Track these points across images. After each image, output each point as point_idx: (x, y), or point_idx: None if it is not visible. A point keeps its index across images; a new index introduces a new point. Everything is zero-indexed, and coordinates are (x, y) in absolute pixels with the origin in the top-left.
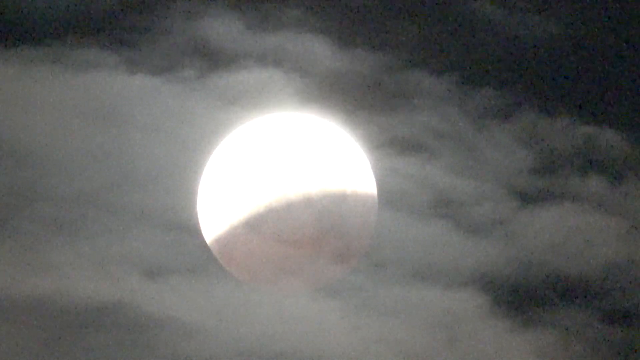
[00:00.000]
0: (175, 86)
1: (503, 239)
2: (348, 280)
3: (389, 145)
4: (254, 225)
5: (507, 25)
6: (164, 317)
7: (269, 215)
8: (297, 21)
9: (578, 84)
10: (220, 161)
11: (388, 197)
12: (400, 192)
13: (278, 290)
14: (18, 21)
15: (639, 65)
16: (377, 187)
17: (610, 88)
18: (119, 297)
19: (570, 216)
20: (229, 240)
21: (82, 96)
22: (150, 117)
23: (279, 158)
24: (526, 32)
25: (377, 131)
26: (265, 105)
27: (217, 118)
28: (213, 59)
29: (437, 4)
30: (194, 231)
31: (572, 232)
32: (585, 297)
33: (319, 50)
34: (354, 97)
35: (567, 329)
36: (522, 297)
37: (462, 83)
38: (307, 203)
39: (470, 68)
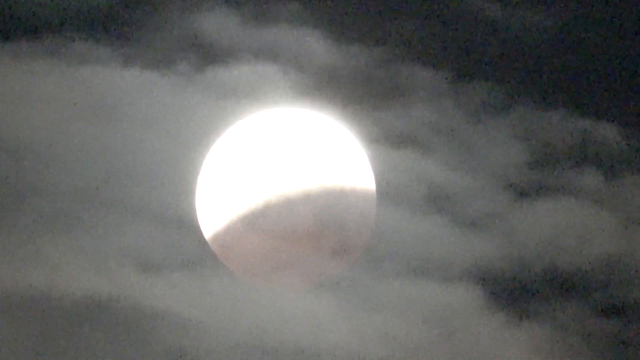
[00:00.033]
0: (171, 80)
1: (499, 233)
2: (344, 274)
3: (384, 139)
4: (253, 221)
5: (502, 20)
6: (160, 312)
7: (268, 211)
8: (293, 15)
9: (573, 78)
10: (219, 157)
11: (383, 191)
12: (395, 186)
13: (276, 286)
14: (13, 15)
15: (635, 59)
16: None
17: (606, 82)
18: (115, 291)
19: (565, 210)
20: (228, 236)
21: (78, 90)
22: (146, 111)
23: (278, 154)
24: (522, 27)
25: (373, 126)
26: (261, 99)
27: (212, 112)
28: (208, 53)
29: None
30: (191, 226)
31: (567, 226)
32: (581, 291)
33: (315, 44)
34: (349, 92)
35: (562, 323)
36: (518, 291)
37: (458, 77)
38: (306, 199)
39: (465, 62)
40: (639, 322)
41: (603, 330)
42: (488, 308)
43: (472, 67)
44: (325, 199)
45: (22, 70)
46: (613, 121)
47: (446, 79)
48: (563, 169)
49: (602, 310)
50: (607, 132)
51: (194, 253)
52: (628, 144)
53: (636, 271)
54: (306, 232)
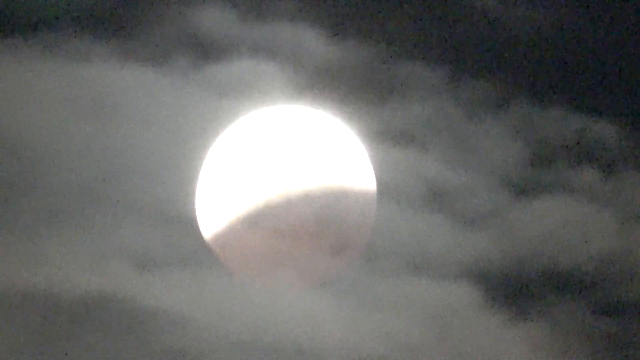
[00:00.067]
0: (168, 77)
1: (497, 231)
2: (342, 272)
3: (382, 136)
4: (253, 221)
5: (500, 17)
6: (157, 310)
7: (268, 210)
8: (290, 12)
9: (571, 75)
10: (219, 156)
11: (381, 189)
12: (393, 184)
13: (275, 284)
14: (9, 11)
15: (632, 56)
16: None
17: (603, 79)
18: (113, 289)
19: (563, 208)
20: (228, 236)
21: (75, 86)
22: (144, 108)
23: (279, 153)
24: (519, 24)
25: (370, 122)
26: (259, 96)
27: (210, 109)
28: (206, 50)
29: None
30: (189, 224)
31: (565, 223)
32: (579, 289)
33: (312, 41)
34: (347, 89)
35: (560, 320)
36: (516, 288)
37: (455, 75)
38: (307, 199)
39: (463, 60)
40: (636, 320)
41: (601, 328)
42: (486, 305)
43: (470, 64)
44: (325, 199)
45: (20, 67)
46: (610, 118)
47: (444, 76)
48: (561, 166)
49: (600, 308)
50: (605, 130)
51: (192, 251)
52: (625, 141)
53: (634, 269)
54: (306, 231)
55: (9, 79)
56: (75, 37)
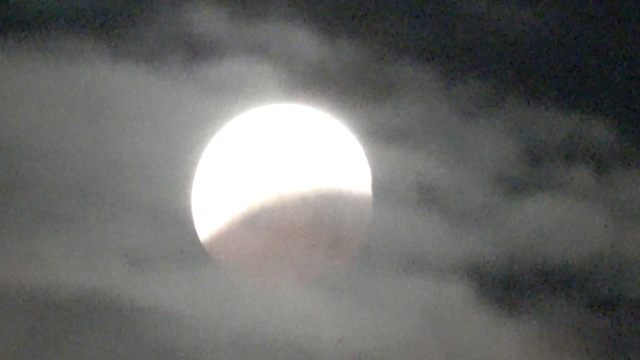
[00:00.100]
0: (161, 76)
1: (490, 229)
2: (337, 271)
3: (375, 135)
4: (249, 222)
5: (493, 16)
6: (151, 307)
7: (264, 212)
8: (283, 11)
9: (564, 74)
10: (214, 157)
11: (375, 187)
12: (386, 182)
13: (271, 284)
14: (2, 11)
15: (625, 55)
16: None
17: (597, 78)
18: (106, 287)
19: (556, 206)
20: (224, 238)
21: (67, 86)
22: (137, 107)
23: (275, 154)
24: (512, 23)
25: (364, 121)
26: (252, 95)
27: (203, 108)
28: (199, 50)
29: None
30: (182, 222)
31: (558, 221)
32: (572, 286)
33: (305, 40)
34: (340, 88)
35: (552, 318)
36: (509, 286)
37: (449, 73)
38: (303, 201)
39: (456, 58)
40: (628, 317)
41: (593, 325)
42: (479, 302)
43: (463, 63)
44: (321, 199)
45: (12, 67)
46: (603, 117)
47: (437, 75)
48: (554, 164)
49: (592, 306)
50: (598, 128)
51: (186, 249)
52: (618, 140)
53: (626, 266)
54: (302, 231)
55: (2, 79)
56: (67, 36)
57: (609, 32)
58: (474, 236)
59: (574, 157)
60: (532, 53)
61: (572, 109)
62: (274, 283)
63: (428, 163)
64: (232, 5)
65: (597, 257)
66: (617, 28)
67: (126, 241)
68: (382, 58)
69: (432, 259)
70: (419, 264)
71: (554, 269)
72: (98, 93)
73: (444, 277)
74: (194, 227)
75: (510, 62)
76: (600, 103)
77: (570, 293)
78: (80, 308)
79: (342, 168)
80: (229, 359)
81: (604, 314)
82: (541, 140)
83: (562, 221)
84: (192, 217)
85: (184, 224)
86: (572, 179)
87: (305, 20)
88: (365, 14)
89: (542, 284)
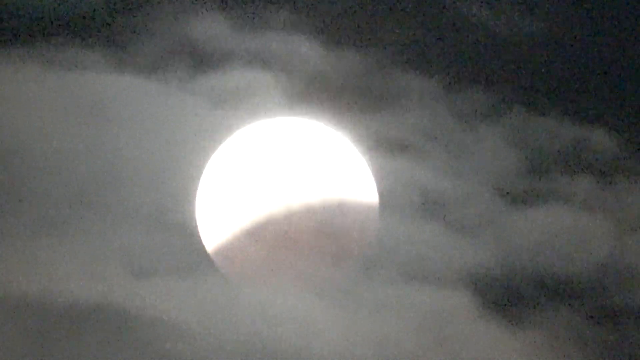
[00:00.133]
0: (162, 86)
1: (492, 239)
2: (341, 282)
3: (377, 145)
4: (254, 233)
5: (495, 26)
6: (152, 318)
7: (269, 223)
8: (284, 22)
9: (566, 83)
10: (219, 168)
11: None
12: (388, 192)
13: (277, 295)
14: (3, 21)
15: (628, 64)
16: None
17: (599, 87)
18: (109, 296)
19: (559, 216)
20: (230, 248)
21: (69, 95)
22: (138, 116)
23: (281, 166)
24: (514, 32)
25: (365, 132)
26: (254, 106)
27: (206, 118)
28: (200, 60)
29: (425, 4)
30: (186, 231)
31: (561, 232)
32: (574, 297)
33: (307, 51)
34: (341, 98)
35: (555, 329)
36: (511, 297)
37: (450, 83)
38: (308, 212)
39: (458, 68)
40: (632, 328)
41: (596, 337)
42: (481, 314)
43: (465, 73)
44: (327, 211)
45: (15, 76)
46: (607, 127)
47: (439, 85)
48: (556, 174)
49: (595, 317)
50: (600, 138)
51: (188, 258)
52: (621, 150)
53: (630, 276)
54: (308, 243)
55: (4, 88)
56: (70, 46)
57: (611, 42)
58: (476, 246)
59: (576, 167)
60: (535, 63)
61: (574, 118)
62: (279, 293)
63: (430, 173)
64: (235, 16)
65: (600, 267)
66: (620, 37)
67: (129, 250)
68: (383, 68)
69: (434, 269)
70: (421, 274)
71: (557, 280)
72: (100, 102)
73: (447, 288)
74: (199, 238)
75: (513, 73)
76: (603, 113)
77: (573, 304)
78: (82, 317)
79: (347, 179)
80: None
81: (608, 324)
82: (544, 151)
83: (565, 231)
84: (196, 228)
85: (188, 234)
86: (574, 189)
87: (307, 30)
88: (367, 24)
89: (545, 294)
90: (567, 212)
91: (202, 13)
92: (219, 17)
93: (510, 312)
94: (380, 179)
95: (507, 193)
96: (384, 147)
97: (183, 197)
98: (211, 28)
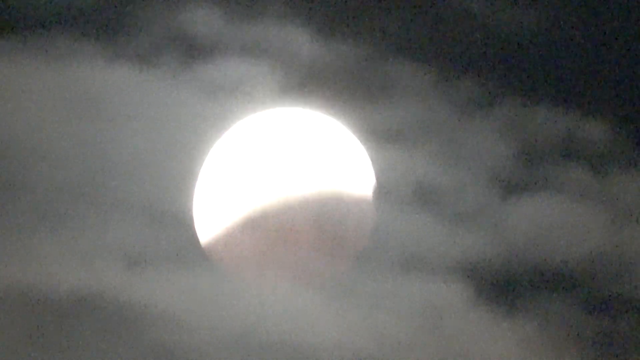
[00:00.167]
0: (156, 76)
1: (486, 229)
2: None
3: (371, 135)
4: (251, 226)
5: (488, 16)
6: (147, 309)
7: (265, 215)
8: (279, 11)
9: (560, 74)
10: (216, 160)
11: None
12: (383, 182)
13: (272, 286)
14: None
15: (621, 54)
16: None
17: (593, 77)
18: (102, 288)
19: (553, 206)
20: (225, 241)
21: (63, 86)
22: (132, 107)
23: (277, 157)
24: (507, 22)
25: (360, 121)
26: (249, 96)
27: (198, 109)
28: (194, 50)
29: None
30: (181, 223)
31: (555, 222)
32: (569, 286)
33: (301, 41)
34: (336, 88)
35: (550, 318)
36: (506, 286)
37: (444, 74)
38: (305, 204)
39: (451, 58)
40: (626, 318)
41: (591, 326)
42: (476, 303)
43: (459, 64)
44: (323, 203)
45: (6, 67)
46: (600, 117)
47: (433, 75)
48: (550, 164)
49: (590, 306)
50: (594, 128)
51: (185, 251)
52: (615, 140)
53: (624, 266)
54: (304, 235)
55: None
56: (63, 37)
57: (605, 31)
58: (471, 236)
59: (570, 157)
60: (528, 52)
61: (568, 108)
62: (275, 286)
63: (425, 163)
64: (228, 5)
65: (595, 256)
66: (614, 26)
67: (124, 242)
68: (377, 59)
69: (429, 259)
70: (416, 264)
71: (552, 269)
72: (94, 93)
73: (441, 277)
74: (194, 229)
75: (507, 63)
76: (597, 102)
77: (568, 293)
78: (78, 309)
79: (344, 171)
80: None
81: (602, 314)
82: (538, 140)
83: (560, 221)
84: (192, 219)
85: (184, 226)
86: (569, 179)
87: (301, 20)
88: (362, 14)
89: (540, 283)
90: (561, 201)
91: (195, 3)
92: (212, 7)
93: (505, 301)
94: (375, 169)
95: (501, 182)
96: (378, 137)
97: (178, 189)
98: (205, 18)
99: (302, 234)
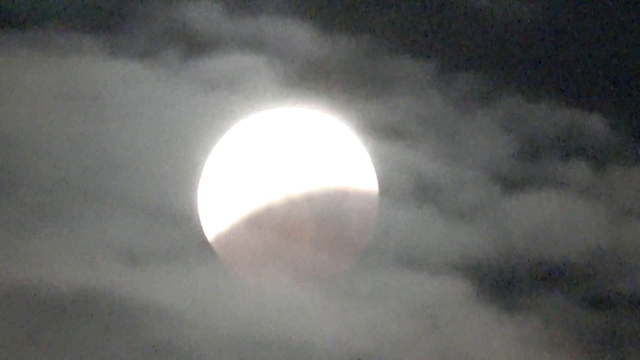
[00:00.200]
0: (156, 71)
1: (486, 225)
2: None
3: (371, 131)
4: (255, 222)
5: (489, 11)
6: (146, 304)
7: (269, 211)
8: (278, 6)
9: (560, 69)
10: (220, 158)
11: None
12: (383, 178)
13: (276, 283)
14: None
15: (621, 49)
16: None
17: (593, 73)
18: (101, 284)
19: (553, 202)
20: (230, 237)
21: (63, 81)
22: (132, 102)
23: (281, 155)
24: (508, 18)
25: (359, 117)
26: (248, 91)
27: (198, 103)
28: (194, 44)
29: None
30: (177, 217)
31: (555, 217)
32: (569, 282)
33: (300, 35)
34: (335, 83)
35: (550, 314)
36: (506, 282)
37: (444, 68)
38: (308, 200)
39: (451, 53)
40: (626, 314)
41: (591, 322)
42: (476, 299)
43: (459, 58)
44: (327, 200)
45: (7, 61)
46: (600, 112)
47: (433, 70)
48: (550, 160)
49: (589, 302)
50: (594, 123)
51: (179, 244)
52: (615, 135)
53: (624, 262)
54: (308, 231)
55: None
56: (64, 31)
57: (605, 27)
58: (471, 232)
59: (570, 153)
60: (529, 48)
61: (568, 104)
62: (278, 281)
63: (425, 159)
64: (228, 0)
65: (595, 253)
66: (614, 23)
67: (126, 239)
68: (377, 53)
69: (429, 255)
70: (416, 260)
71: (551, 265)
72: (94, 88)
73: (441, 273)
74: (198, 226)
75: (507, 58)
76: (597, 98)
77: (567, 289)
78: (80, 306)
79: (347, 167)
80: (229, 357)
81: (602, 310)
82: (538, 136)
83: (559, 217)
84: (196, 216)
85: (185, 223)
86: (569, 175)
87: (300, 15)
88: (360, 10)
89: (540, 279)
90: (561, 197)
91: None
92: (212, 2)
93: (505, 297)
94: (373, 164)
95: (501, 178)
96: (378, 133)
97: (180, 186)
98: (204, 13)
99: (305, 231)
